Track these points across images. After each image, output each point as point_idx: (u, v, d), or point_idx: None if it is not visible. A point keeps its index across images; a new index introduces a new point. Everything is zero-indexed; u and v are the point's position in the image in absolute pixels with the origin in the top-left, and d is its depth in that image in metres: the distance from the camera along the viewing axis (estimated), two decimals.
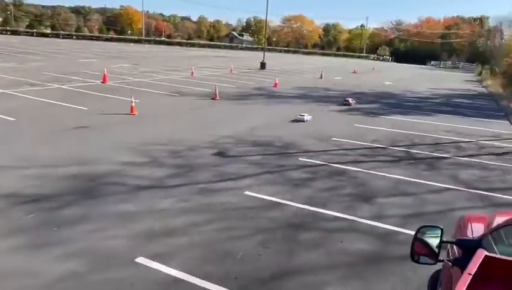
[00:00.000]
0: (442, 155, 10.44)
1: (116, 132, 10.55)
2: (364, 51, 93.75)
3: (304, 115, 13.60)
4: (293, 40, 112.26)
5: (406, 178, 8.22)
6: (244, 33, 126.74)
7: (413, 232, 2.60)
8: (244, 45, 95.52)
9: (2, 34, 72.50)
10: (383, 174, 8.40)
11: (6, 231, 5.13)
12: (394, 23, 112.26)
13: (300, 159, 9.13)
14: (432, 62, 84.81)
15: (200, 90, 19.08)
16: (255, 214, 6.12)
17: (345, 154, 9.96)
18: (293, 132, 11.87)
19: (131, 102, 12.75)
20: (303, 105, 17.34)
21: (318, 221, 6.04)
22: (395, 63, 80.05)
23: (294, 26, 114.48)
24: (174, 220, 5.69)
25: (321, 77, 31.29)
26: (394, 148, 10.81)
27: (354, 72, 41.43)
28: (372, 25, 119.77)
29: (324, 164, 8.84)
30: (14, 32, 75.19)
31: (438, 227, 2.55)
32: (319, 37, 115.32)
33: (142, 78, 22.22)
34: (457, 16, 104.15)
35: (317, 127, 12.77)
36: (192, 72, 26.09)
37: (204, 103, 16.05)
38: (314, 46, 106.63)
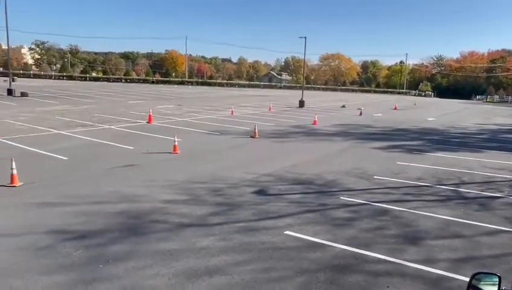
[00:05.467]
0: (494, 194, 9.83)
1: (160, 170, 10.90)
2: (404, 87, 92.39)
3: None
4: (331, 78, 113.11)
5: (456, 219, 7.77)
6: (282, 72, 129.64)
7: (466, 279, 2.44)
8: (282, 84, 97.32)
9: (59, 79, 78.77)
10: (429, 214, 8.00)
11: (54, 267, 5.34)
12: (435, 59, 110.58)
13: (341, 197, 8.94)
14: (478, 96, 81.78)
15: (240, 129, 19.47)
16: (296, 254, 5.99)
17: (388, 193, 9.63)
18: (334, 169, 11.70)
19: (174, 141, 13.21)
20: (343, 142, 17.16)
21: (362, 263, 5.80)
22: (438, 98, 77.96)
23: (332, 64, 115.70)
24: (214, 259, 5.68)
25: (361, 114, 31.01)
26: (441, 186, 10.33)
27: (395, 108, 40.74)
28: (411, 61, 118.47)
29: (366, 203, 8.58)
30: (70, 78, 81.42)
31: (495, 274, 2.37)
32: (358, 74, 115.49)
33: (185, 118, 23.08)
34: (503, 49, 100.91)
35: (358, 164, 12.53)
36: (232, 111, 26.78)
37: (244, 141, 16.31)
38: (353, 83, 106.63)
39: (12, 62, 65.44)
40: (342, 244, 6.33)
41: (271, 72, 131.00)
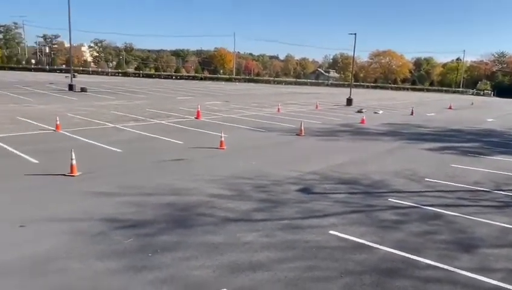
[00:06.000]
0: None
1: (207, 165, 11.16)
2: (461, 86, 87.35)
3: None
4: (381, 76, 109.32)
5: None
6: (330, 70, 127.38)
7: None
8: (330, 82, 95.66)
9: (114, 75, 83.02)
10: (486, 221, 7.54)
11: (107, 253, 5.65)
12: (496, 55, 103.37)
13: (389, 199, 8.66)
14: None
15: (286, 126, 19.43)
16: (340, 255, 5.89)
17: (441, 197, 9.18)
18: (382, 170, 11.35)
19: (221, 137, 13.46)
20: (392, 142, 16.59)
21: (411, 268, 5.59)
22: (498, 98, 72.89)
23: (382, 61, 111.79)
24: (258, 255, 5.74)
25: (412, 113, 29.77)
26: (500, 192, 9.69)
27: (450, 107, 38.67)
28: (469, 58, 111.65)
29: (417, 206, 8.25)
30: (124, 74, 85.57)
31: None
32: (410, 71, 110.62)
33: (232, 114, 23.42)
34: None
35: (408, 165, 12.06)
36: (278, 109, 26.78)
37: (290, 139, 16.26)
38: (404, 81, 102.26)
39: (73, 60, 69.83)
40: (389, 247, 6.14)
41: (318, 69, 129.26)
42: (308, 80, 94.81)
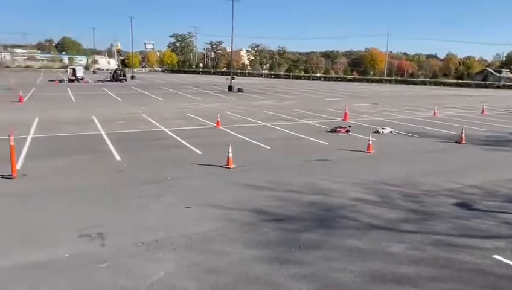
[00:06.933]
0: None
1: (352, 168, 10.95)
2: None
3: None
4: None
5: None
6: (503, 69, 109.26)
7: None
8: (502, 83, 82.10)
9: (267, 77, 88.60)
10: None
11: (254, 242, 6.10)
12: None
13: None
14: None
15: (443, 132, 17.55)
16: (506, 285, 5.06)
17: None
18: None
19: (369, 140, 13.00)
20: None
21: None
22: None
23: None
24: (403, 268, 5.37)
25: None
26: None
27: None
28: None
29: None
30: (276, 76, 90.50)
31: None
32: None
33: (381, 117, 22.36)
34: None
35: None
36: (434, 112, 24.37)
37: (447, 146, 14.63)
38: None
39: (233, 63, 77.14)
40: None
41: (487, 68, 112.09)
42: (473, 81, 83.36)
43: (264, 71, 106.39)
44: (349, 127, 17.17)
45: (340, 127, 16.89)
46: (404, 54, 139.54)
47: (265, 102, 30.09)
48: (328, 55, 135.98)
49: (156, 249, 5.78)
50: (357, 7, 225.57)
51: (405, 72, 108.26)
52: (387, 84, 72.27)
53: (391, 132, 16.69)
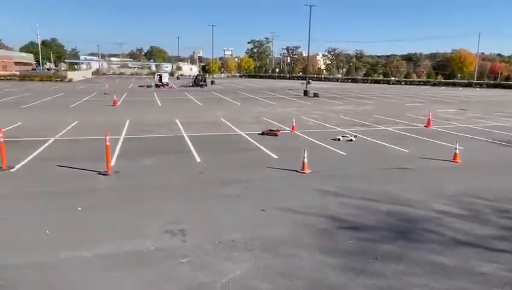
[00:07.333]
0: None
1: (435, 178, 10.24)
2: None
3: None
4: None
5: None
6: None
7: None
8: None
9: (343, 82, 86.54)
10: None
11: (329, 249, 6.01)
12: None
13: None
14: None
15: None
16: None
17: None
18: None
19: (455, 149, 12.07)
20: None
21: None
22: None
23: None
24: None
25: None
26: None
27: None
28: None
29: None
30: (353, 80, 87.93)
31: None
32: None
33: (469, 124, 20.59)
34: None
35: None
36: None
37: None
38: None
39: (309, 68, 76.80)
40: None
41: None
42: None
43: (339, 75, 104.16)
44: (278, 130, 16.50)
45: (270, 130, 16.46)
46: (498, 55, 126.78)
47: (342, 107, 29.44)
48: (410, 58, 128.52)
49: (232, 248, 5.98)
50: (441, 6, 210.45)
51: (499, 75, 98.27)
52: (478, 89, 66.25)
53: (351, 139, 15.06)
